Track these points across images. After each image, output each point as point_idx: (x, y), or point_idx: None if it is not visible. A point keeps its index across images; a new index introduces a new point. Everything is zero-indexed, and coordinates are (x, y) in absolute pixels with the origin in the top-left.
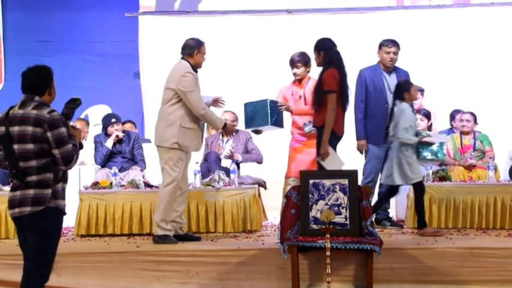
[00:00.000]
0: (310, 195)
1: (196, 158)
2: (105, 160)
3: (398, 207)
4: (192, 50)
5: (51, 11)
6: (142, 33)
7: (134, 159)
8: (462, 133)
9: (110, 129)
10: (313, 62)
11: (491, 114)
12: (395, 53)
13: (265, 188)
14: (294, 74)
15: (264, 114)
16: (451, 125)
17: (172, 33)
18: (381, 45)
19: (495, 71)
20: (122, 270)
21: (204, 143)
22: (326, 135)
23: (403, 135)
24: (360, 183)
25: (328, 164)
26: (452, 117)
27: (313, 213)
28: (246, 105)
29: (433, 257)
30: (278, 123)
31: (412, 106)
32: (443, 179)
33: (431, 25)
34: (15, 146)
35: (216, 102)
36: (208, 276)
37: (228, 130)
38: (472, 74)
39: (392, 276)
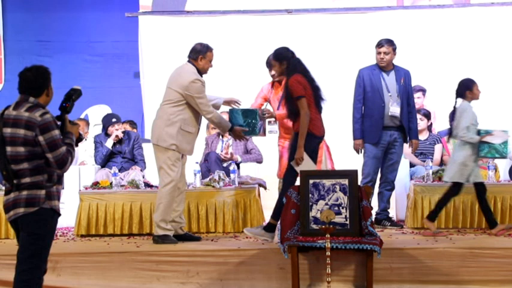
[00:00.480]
0: (310, 195)
1: (197, 158)
2: (105, 160)
3: (399, 207)
4: (197, 55)
5: (51, 11)
6: (142, 33)
7: (134, 159)
8: None
9: (110, 129)
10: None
11: (491, 114)
12: (386, 53)
13: (265, 188)
14: (272, 76)
15: (252, 125)
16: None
17: (172, 33)
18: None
19: (495, 71)
20: (122, 270)
21: (204, 142)
22: (301, 140)
23: (464, 134)
24: (359, 183)
25: (301, 169)
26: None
27: (313, 213)
28: (233, 111)
29: (433, 257)
30: (263, 131)
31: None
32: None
33: (431, 25)
34: (8, 148)
35: (229, 103)
36: (208, 276)
37: (236, 134)
38: (472, 74)
39: (392, 276)
